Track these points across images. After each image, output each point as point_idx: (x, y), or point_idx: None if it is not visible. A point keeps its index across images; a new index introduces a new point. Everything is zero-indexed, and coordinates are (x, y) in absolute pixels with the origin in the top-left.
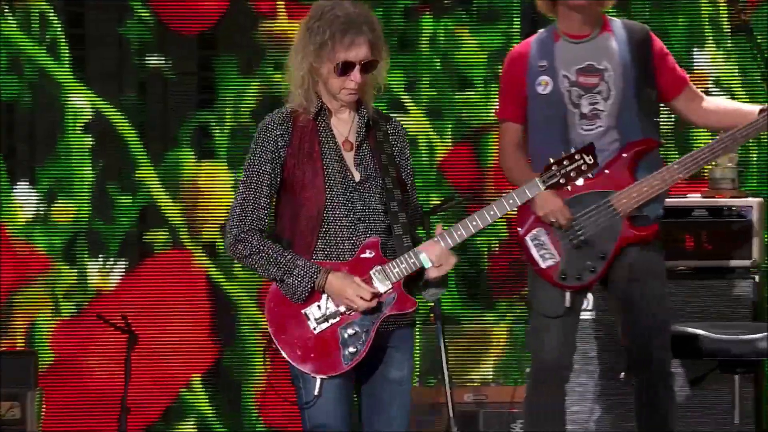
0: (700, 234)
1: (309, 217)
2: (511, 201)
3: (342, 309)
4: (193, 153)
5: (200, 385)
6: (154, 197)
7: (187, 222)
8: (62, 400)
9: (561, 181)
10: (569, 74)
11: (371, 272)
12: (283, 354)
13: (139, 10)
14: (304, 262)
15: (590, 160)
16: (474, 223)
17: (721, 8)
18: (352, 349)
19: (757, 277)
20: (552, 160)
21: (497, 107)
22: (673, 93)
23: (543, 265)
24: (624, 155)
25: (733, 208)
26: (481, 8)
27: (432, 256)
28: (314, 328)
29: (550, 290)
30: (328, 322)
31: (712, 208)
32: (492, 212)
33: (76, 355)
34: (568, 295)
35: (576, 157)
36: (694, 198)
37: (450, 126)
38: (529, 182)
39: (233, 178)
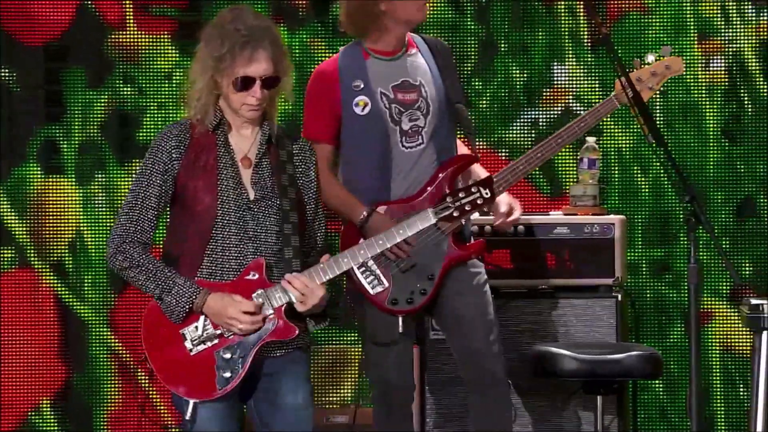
0: (562, 252)
1: (198, 233)
2: (401, 231)
3: (220, 332)
4: (40, 168)
5: (49, 409)
6: (0, 214)
7: (35, 240)
8: None
9: (454, 213)
10: (387, 91)
11: (253, 295)
12: (158, 375)
13: None
14: (184, 280)
15: (486, 193)
16: (345, 260)
17: (581, 22)
18: (226, 375)
19: (619, 296)
20: (447, 191)
21: (305, 127)
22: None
23: (372, 291)
24: (442, 173)
25: (595, 225)
26: (337, 21)
27: (293, 290)
28: (190, 350)
29: (382, 317)
30: (205, 344)
31: (573, 226)
32: (381, 241)
33: None
34: (400, 319)
35: (472, 189)
36: (556, 215)
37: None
38: (421, 213)
39: (82, 194)
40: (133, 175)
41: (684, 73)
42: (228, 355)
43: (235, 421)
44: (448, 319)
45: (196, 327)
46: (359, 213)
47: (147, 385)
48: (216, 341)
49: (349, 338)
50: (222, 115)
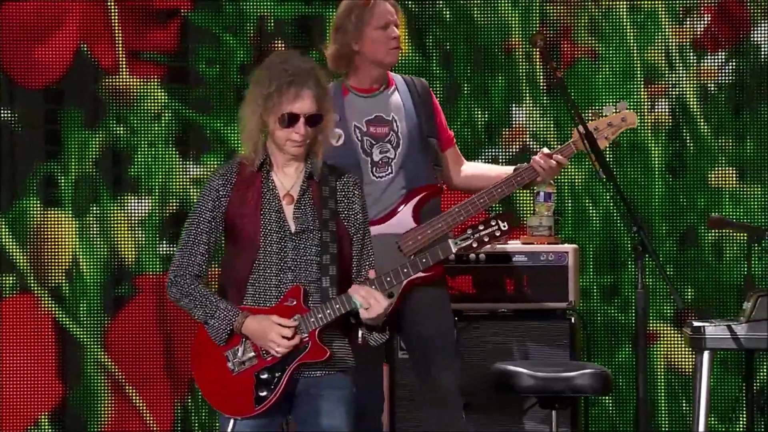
0: (520, 278)
1: (243, 263)
2: (424, 260)
3: (260, 353)
4: (39, 201)
5: (47, 424)
6: (2, 243)
7: (34, 267)
8: None
9: (473, 245)
10: (360, 125)
11: (291, 320)
12: (202, 393)
13: None
14: (226, 305)
15: (505, 227)
16: (405, 270)
17: (537, 67)
18: (263, 393)
19: (573, 318)
20: (411, 217)
21: None
22: (445, 146)
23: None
24: (410, 200)
25: (551, 253)
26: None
27: (359, 297)
28: (233, 370)
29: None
30: (245, 365)
31: (530, 254)
32: (408, 270)
33: None
34: (360, 331)
35: (492, 223)
36: (514, 244)
37: None
38: (443, 243)
39: (78, 225)
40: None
41: (637, 126)
42: (265, 375)
43: None
44: (410, 338)
45: (238, 349)
46: None
47: (137, 399)
48: (255, 362)
49: None
50: (267, 154)
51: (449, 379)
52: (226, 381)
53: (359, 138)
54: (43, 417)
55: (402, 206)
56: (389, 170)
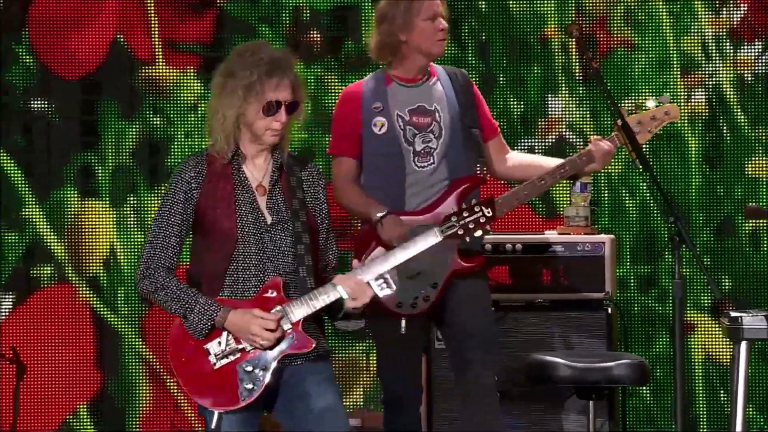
0: (556, 268)
1: (220, 255)
2: (408, 250)
3: (242, 346)
4: (76, 192)
5: (86, 413)
6: (40, 234)
7: (72, 257)
8: None
9: (459, 231)
10: (403, 114)
11: (272, 311)
12: (184, 388)
13: (24, 57)
14: (205, 299)
15: (489, 212)
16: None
17: (573, 57)
18: (248, 386)
19: (609, 309)
20: (452, 210)
21: (330, 144)
22: (488, 135)
23: (381, 294)
24: (453, 191)
25: (587, 244)
26: (349, 56)
27: (347, 288)
28: (214, 364)
29: (388, 319)
30: (228, 358)
31: (567, 244)
32: (410, 249)
33: None
34: (403, 321)
35: (475, 209)
36: (551, 234)
37: (321, 167)
38: (428, 231)
39: (115, 215)
40: (157, 207)
41: (679, 120)
42: (250, 368)
43: (255, 429)
44: (447, 328)
45: (219, 342)
46: (377, 211)
47: (175, 391)
48: (238, 355)
49: (359, 348)
50: (237, 146)
51: (487, 373)
52: (208, 375)
53: (402, 127)
54: (81, 406)
55: (445, 197)
56: (431, 160)
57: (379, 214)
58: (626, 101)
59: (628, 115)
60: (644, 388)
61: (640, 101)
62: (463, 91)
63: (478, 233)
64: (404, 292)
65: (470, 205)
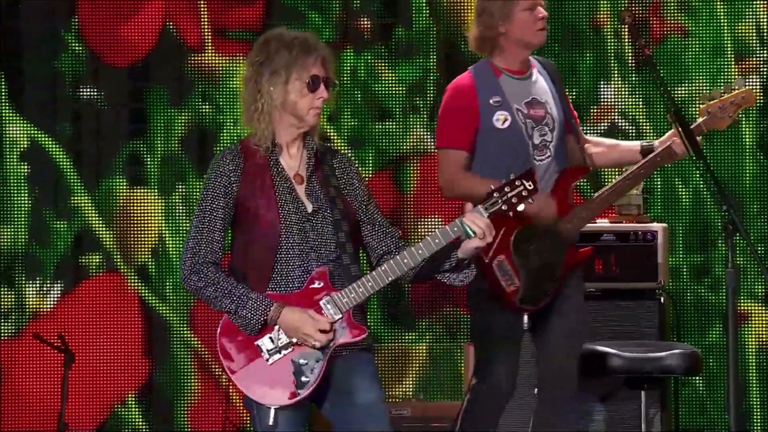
0: (608, 257)
1: (264, 249)
2: (455, 229)
3: (294, 340)
4: (125, 180)
5: (134, 403)
6: (89, 222)
7: (121, 246)
8: (0, 418)
9: (503, 207)
10: (521, 108)
11: (321, 302)
12: (237, 384)
13: (73, 45)
14: (257, 295)
15: (530, 185)
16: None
17: (625, 44)
18: (304, 379)
19: (662, 298)
20: (493, 187)
21: (442, 136)
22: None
23: (507, 289)
24: (563, 182)
25: (640, 233)
26: (399, 43)
27: (477, 227)
28: (267, 360)
29: (507, 314)
30: (280, 353)
31: (619, 233)
32: (456, 228)
33: (14, 374)
34: (526, 317)
35: (516, 183)
36: (603, 224)
37: (371, 155)
38: (472, 210)
39: (163, 204)
40: (198, 201)
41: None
42: (303, 361)
43: (305, 422)
44: (546, 325)
45: (271, 338)
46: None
47: (226, 383)
48: (290, 349)
49: (410, 337)
50: (274, 136)
51: (573, 384)
52: (262, 370)
53: (522, 121)
54: (130, 396)
55: (557, 189)
56: (547, 153)
57: (492, 187)
58: (680, 89)
59: (709, 101)
60: (697, 378)
61: (718, 87)
62: (556, 80)
63: (521, 207)
64: (528, 287)
65: (511, 179)
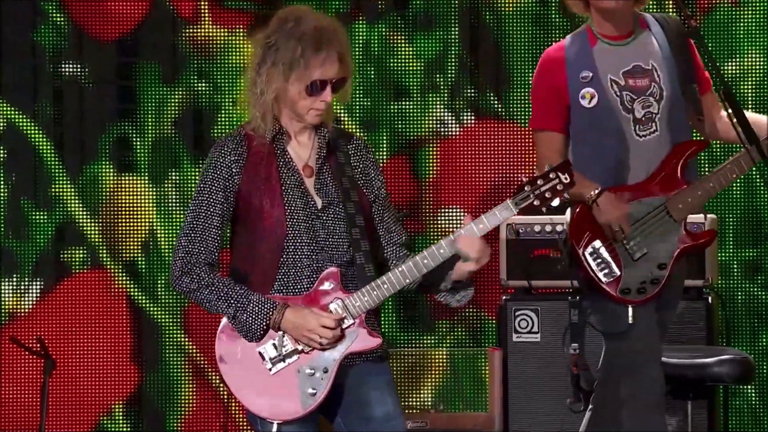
0: None
1: (269, 248)
2: (480, 226)
3: (300, 347)
4: (112, 166)
5: (121, 414)
6: (72, 213)
7: (107, 240)
8: None
9: (535, 202)
10: (617, 79)
11: (331, 306)
12: (237, 397)
13: (54, 15)
14: (258, 297)
15: (566, 179)
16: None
17: (670, 14)
18: (311, 391)
19: (710, 298)
20: (525, 180)
21: (533, 117)
22: (704, 89)
23: (604, 280)
24: (675, 158)
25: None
26: (417, 13)
27: (472, 251)
28: (270, 369)
29: (611, 307)
30: (284, 362)
31: None
32: (482, 225)
33: None
34: (630, 310)
35: (551, 176)
36: None
37: (385, 138)
38: (500, 205)
39: (155, 193)
40: (193, 193)
41: None
42: (310, 371)
43: None
44: (652, 319)
45: (274, 345)
46: (590, 190)
47: (223, 391)
48: (296, 357)
49: (428, 342)
50: (280, 123)
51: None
52: (264, 381)
53: (618, 93)
54: (116, 406)
55: (666, 167)
56: (653, 127)
57: (593, 193)
58: (730, 63)
59: None
60: (748, 387)
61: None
62: (678, 40)
63: (555, 202)
64: (630, 277)
65: (545, 172)
